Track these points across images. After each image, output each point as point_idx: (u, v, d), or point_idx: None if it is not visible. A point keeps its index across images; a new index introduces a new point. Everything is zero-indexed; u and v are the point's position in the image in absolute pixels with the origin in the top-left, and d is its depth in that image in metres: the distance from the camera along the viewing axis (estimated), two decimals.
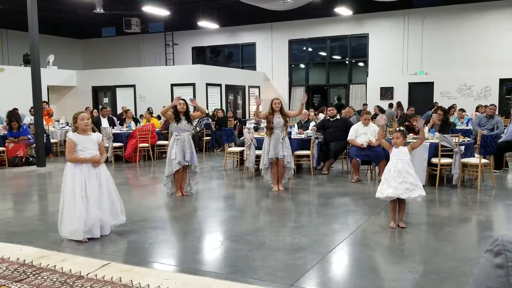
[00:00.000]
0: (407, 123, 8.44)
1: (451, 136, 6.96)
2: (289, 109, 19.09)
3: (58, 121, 13.06)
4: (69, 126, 10.97)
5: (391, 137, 6.87)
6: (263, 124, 8.91)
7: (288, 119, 7.01)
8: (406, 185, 4.57)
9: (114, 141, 10.28)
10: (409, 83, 17.52)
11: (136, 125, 11.38)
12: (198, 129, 11.98)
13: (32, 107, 13.09)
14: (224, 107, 16.40)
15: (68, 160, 4.41)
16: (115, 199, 4.62)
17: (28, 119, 12.85)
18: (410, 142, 7.15)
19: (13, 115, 10.18)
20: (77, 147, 4.40)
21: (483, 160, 6.91)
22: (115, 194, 4.62)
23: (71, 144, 4.39)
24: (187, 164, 6.43)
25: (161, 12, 15.99)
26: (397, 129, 5.03)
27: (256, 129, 9.55)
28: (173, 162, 6.33)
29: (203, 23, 17.91)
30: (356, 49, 19.00)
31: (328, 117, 8.63)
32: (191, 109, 6.93)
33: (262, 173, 7.05)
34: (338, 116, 8.65)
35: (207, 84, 16.36)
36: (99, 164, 4.46)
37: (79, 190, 4.32)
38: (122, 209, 4.69)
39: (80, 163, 4.37)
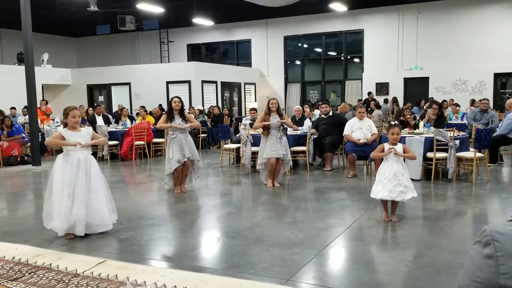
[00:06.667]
0: (401, 118, 8.47)
1: (446, 131, 6.99)
2: (285, 106, 19.10)
3: (53, 119, 13.00)
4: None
5: (385, 133, 6.89)
6: None
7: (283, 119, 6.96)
8: (400, 188, 4.60)
9: (109, 139, 10.22)
10: (405, 79, 17.56)
11: (132, 123, 11.35)
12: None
13: (24, 107, 13.07)
14: (220, 104, 16.37)
15: (46, 142, 4.51)
16: (106, 198, 4.58)
17: (21, 119, 12.78)
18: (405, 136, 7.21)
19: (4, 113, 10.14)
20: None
21: (478, 154, 6.95)
22: (106, 193, 4.58)
23: (58, 134, 4.50)
24: (188, 160, 6.41)
25: (156, 9, 15.93)
26: (394, 123, 4.93)
27: (252, 125, 9.53)
28: (171, 161, 6.32)
29: (198, 20, 17.85)
30: (351, 45, 19.00)
31: (322, 115, 8.67)
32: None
33: (260, 173, 7.06)
34: (330, 113, 8.71)
35: (203, 81, 16.32)
36: (98, 142, 4.78)
37: (67, 188, 4.31)
38: (113, 208, 4.66)
39: (70, 157, 4.39)
